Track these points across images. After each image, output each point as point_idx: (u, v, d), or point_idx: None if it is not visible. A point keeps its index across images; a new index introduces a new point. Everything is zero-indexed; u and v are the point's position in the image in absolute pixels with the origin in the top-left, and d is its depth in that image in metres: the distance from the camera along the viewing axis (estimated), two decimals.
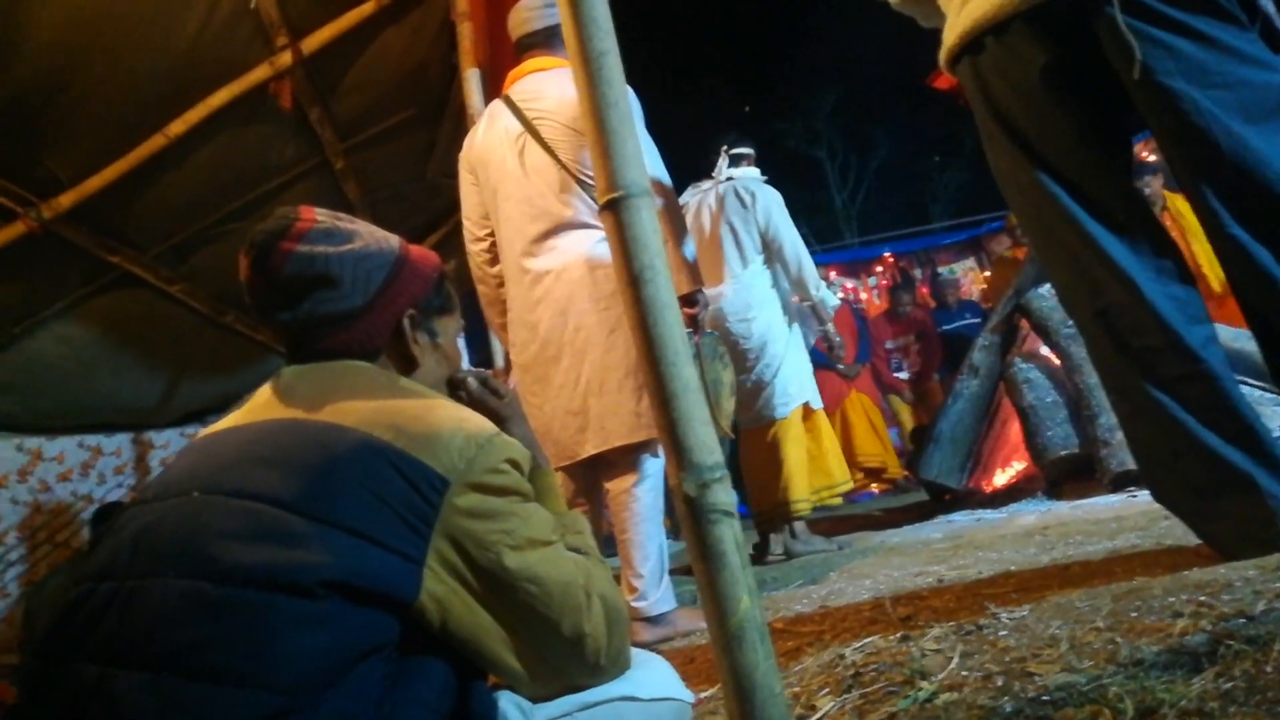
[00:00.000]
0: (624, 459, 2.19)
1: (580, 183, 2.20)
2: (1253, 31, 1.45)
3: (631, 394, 2.13)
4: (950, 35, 1.69)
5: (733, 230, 3.49)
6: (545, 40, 2.33)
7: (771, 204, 3.50)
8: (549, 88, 2.24)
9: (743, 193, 3.52)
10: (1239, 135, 1.38)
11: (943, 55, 1.74)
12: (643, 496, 2.19)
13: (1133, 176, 1.62)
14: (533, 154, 2.23)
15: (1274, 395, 3.04)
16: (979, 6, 1.59)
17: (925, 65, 1.84)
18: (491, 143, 2.31)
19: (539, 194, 2.21)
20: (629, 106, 0.98)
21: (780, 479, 3.32)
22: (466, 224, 2.44)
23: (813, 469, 3.45)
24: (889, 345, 6.52)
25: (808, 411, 3.49)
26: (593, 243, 2.19)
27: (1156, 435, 1.51)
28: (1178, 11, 1.42)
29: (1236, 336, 3.36)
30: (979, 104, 1.68)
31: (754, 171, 3.67)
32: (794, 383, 3.41)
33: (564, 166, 2.19)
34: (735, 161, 3.69)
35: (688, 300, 2.23)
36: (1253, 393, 3.03)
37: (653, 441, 2.17)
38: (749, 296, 3.42)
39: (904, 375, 6.54)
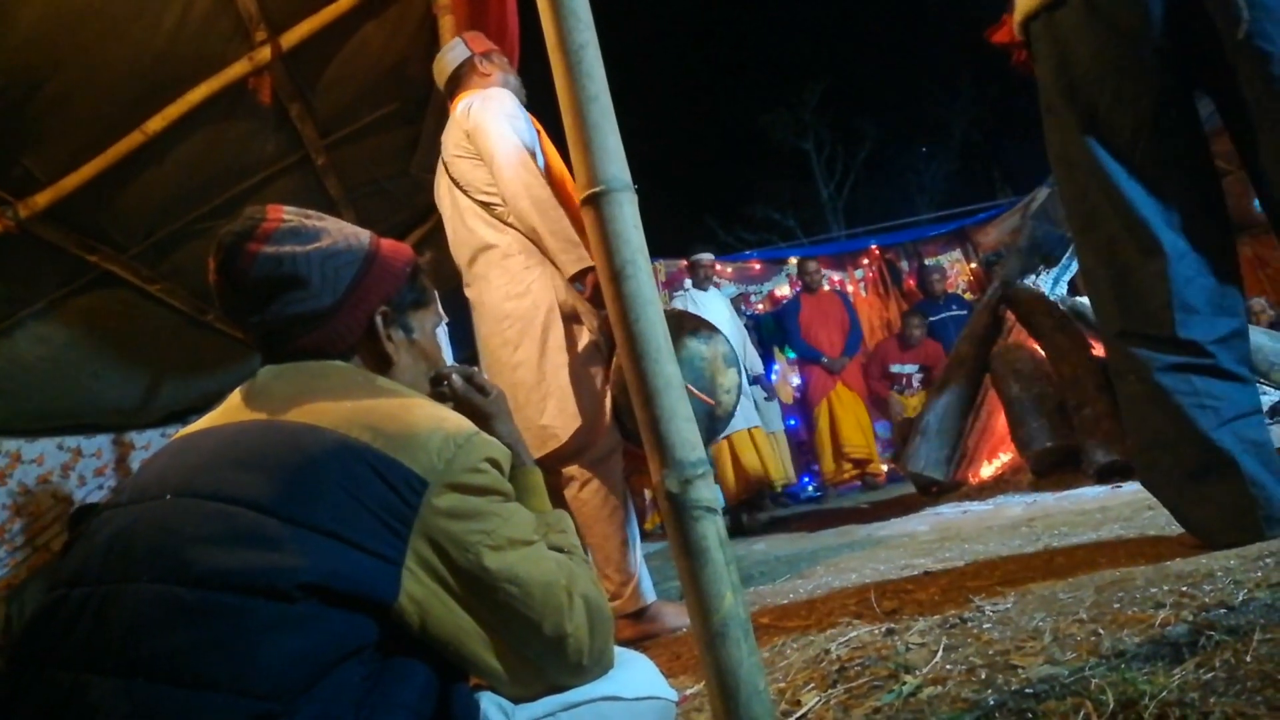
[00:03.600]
0: (558, 467, 2.21)
1: (480, 204, 2.27)
2: None
3: (536, 408, 2.16)
4: None
5: None
6: (463, 79, 2.45)
7: (706, 307, 5.18)
8: (450, 122, 2.37)
9: (691, 304, 5.23)
10: None
11: (1020, 11, 1.66)
12: (588, 499, 2.20)
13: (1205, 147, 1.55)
14: (449, 189, 2.35)
15: (1274, 390, 3.07)
16: None
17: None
18: (437, 188, 2.47)
19: (455, 228, 2.35)
20: (609, 101, 0.97)
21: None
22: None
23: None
24: (893, 369, 6.46)
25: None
26: (496, 263, 2.25)
27: (1156, 418, 1.52)
28: None
29: None
30: (1050, 67, 1.61)
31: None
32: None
33: (465, 193, 2.28)
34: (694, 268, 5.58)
35: (583, 279, 2.13)
36: None
37: (574, 444, 2.17)
38: None
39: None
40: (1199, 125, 1.56)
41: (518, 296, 2.21)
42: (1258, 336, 3.30)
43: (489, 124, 2.21)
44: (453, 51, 2.47)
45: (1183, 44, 1.47)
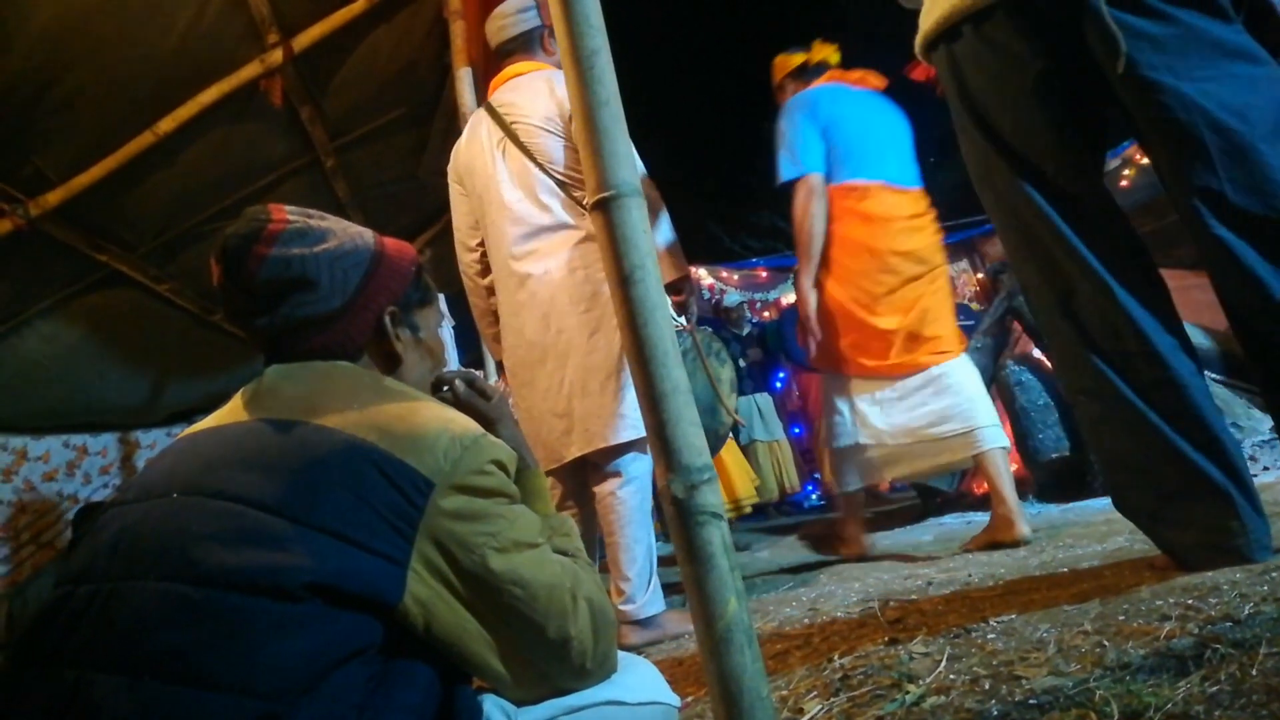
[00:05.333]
0: (608, 461, 2.19)
1: (558, 182, 2.22)
2: (1238, 24, 1.41)
3: (614, 395, 2.13)
4: (927, 20, 1.65)
5: None
6: (523, 45, 2.38)
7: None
8: (524, 92, 2.29)
9: None
10: (1226, 129, 1.34)
11: (918, 41, 1.69)
12: (628, 499, 2.18)
13: (1103, 176, 1.58)
14: (512, 158, 2.27)
15: (1245, 393, 3.06)
16: None
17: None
18: (474, 151, 2.35)
19: (519, 198, 2.25)
20: (620, 106, 0.98)
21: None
22: (457, 235, 2.47)
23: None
24: None
25: None
26: (573, 244, 2.21)
27: (1128, 439, 1.49)
28: (1163, 2, 1.39)
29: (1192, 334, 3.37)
30: (953, 94, 1.64)
31: None
32: None
33: (541, 167, 2.22)
34: None
35: (674, 288, 2.22)
36: (1219, 390, 3.04)
37: (637, 443, 2.17)
38: None
39: None
40: (1103, 150, 1.58)
41: (603, 282, 2.15)
42: None
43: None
44: (527, 11, 2.37)
45: (1077, 73, 1.48)
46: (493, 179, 2.29)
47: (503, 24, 2.39)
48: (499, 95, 2.35)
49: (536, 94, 2.26)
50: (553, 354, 2.20)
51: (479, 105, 2.74)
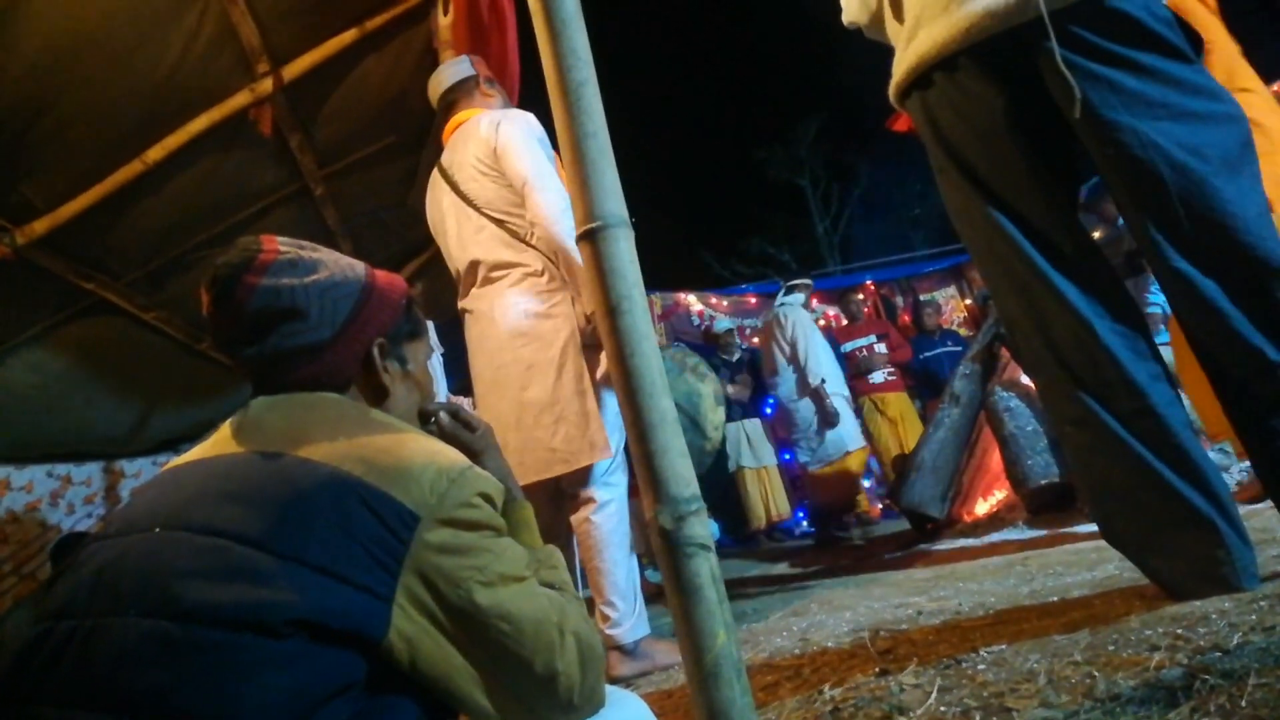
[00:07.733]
0: (579, 488, 2.20)
1: (495, 221, 2.26)
2: (1198, 63, 1.45)
3: (547, 429, 2.15)
4: (898, 70, 1.69)
5: (777, 341, 5.63)
6: (462, 93, 2.47)
7: (798, 323, 5.59)
8: (459, 140, 2.36)
9: (781, 316, 5.67)
10: (1183, 166, 1.37)
11: (891, 90, 1.74)
12: (603, 524, 2.18)
13: (1078, 212, 1.62)
14: (455, 206, 2.34)
15: None
16: (925, 42, 1.60)
17: None
18: (433, 207, 2.46)
19: (462, 244, 2.33)
20: (608, 138, 0.99)
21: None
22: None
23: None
24: (846, 349, 6.47)
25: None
26: (513, 281, 2.24)
27: (1115, 468, 1.49)
28: (1120, 46, 1.43)
29: None
30: (929, 139, 1.68)
31: (799, 297, 5.86)
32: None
33: (477, 210, 2.28)
34: (790, 290, 5.86)
35: None
36: None
37: (607, 465, 2.18)
38: (792, 383, 5.54)
39: (879, 379, 6.40)
40: (1076, 184, 1.63)
41: (540, 317, 2.19)
42: None
43: (521, 145, 2.21)
44: (458, 65, 2.48)
45: (1043, 113, 1.52)
46: (447, 231, 2.38)
47: (439, 80, 2.51)
48: (445, 153, 2.43)
49: (468, 138, 2.32)
50: (493, 388, 2.25)
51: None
